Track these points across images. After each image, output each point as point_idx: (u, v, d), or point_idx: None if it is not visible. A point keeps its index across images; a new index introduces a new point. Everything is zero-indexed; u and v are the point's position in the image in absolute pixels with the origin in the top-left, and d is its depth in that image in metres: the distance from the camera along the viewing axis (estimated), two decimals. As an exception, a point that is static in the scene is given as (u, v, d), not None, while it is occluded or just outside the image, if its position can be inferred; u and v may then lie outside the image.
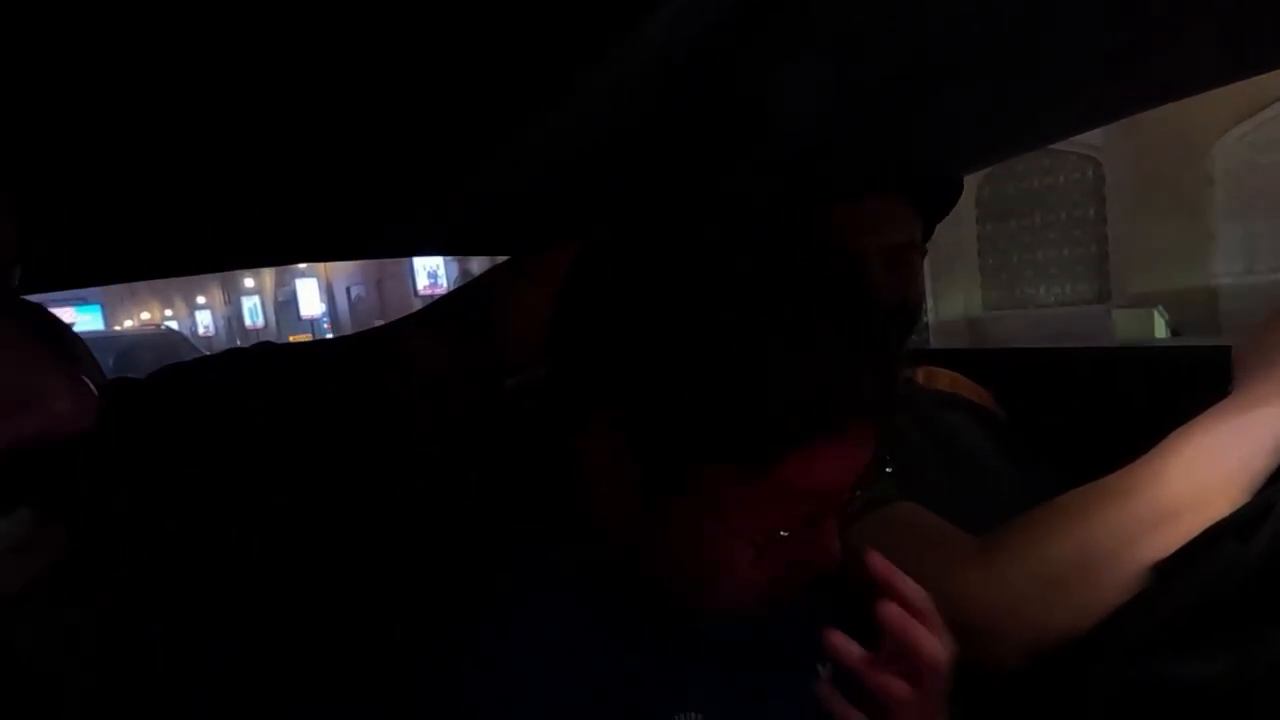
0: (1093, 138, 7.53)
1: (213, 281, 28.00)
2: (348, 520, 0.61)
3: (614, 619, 0.50)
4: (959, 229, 9.08)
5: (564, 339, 0.49)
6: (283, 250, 1.16)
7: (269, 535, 0.56)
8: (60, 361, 0.27)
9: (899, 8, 0.54)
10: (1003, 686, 0.61)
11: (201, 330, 28.04)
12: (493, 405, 0.72)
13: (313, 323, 21.87)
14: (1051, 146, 1.87)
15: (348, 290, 22.18)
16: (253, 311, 26.10)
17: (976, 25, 0.58)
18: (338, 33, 0.47)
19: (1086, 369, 1.16)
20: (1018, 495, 0.72)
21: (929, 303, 8.75)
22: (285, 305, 24.41)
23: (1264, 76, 0.74)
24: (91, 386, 0.27)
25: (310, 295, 22.10)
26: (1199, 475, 0.56)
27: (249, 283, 25.80)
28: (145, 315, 28.32)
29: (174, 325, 15.73)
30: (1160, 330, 7.69)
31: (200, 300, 29.65)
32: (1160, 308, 7.68)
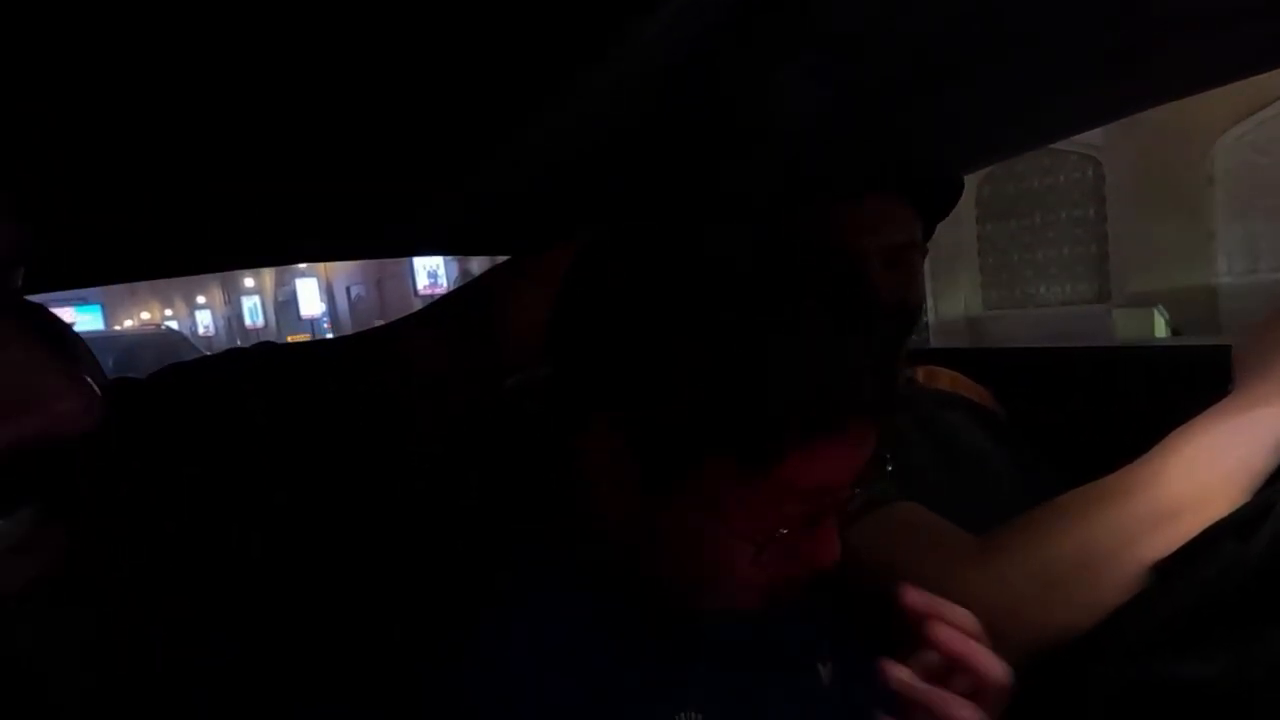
0: (1093, 138, 7.53)
1: (213, 281, 28.00)
2: (348, 520, 0.61)
3: (614, 619, 0.50)
4: (959, 229, 9.07)
5: (564, 339, 0.49)
6: (283, 250, 1.16)
7: (269, 535, 0.56)
8: (62, 361, 0.27)
9: (899, 8, 0.54)
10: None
11: (201, 330, 28.03)
12: (493, 405, 0.72)
13: (313, 323, 21.87)
14: (1051, 146, 1.87)
15: (348, 290, 22.18)
16: (253, 311, 26.09)
17: (976, 25, 0.58)
18: (338, 32, 0.47)
19: (1086, 368, 1.16)
20: (1018, 495, 0.72)
21: (929, 302, 8.75)
22: (285, 305, 24.41)
23: (1264, 76, 0.74)
24: (94, 387, 0.27)
25: (310, 295, 22.10)
26: (1199, 475, 0.56)
27: (249, 283, 25.80)
28: (145, 315, 28.31)
29: (174, 325, 15.73)
30: (1160, 330, 7.68)
31: (200, 300, 29.65)
32: (1160, 307, 7.68)
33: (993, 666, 0.46)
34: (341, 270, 21.22)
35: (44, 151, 0.56)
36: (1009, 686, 0.46)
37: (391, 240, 1.16)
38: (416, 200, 0.89)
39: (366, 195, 0.85)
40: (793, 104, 0.68)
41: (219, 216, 0.85)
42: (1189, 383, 0.64)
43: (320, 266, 20.63)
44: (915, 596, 0.46)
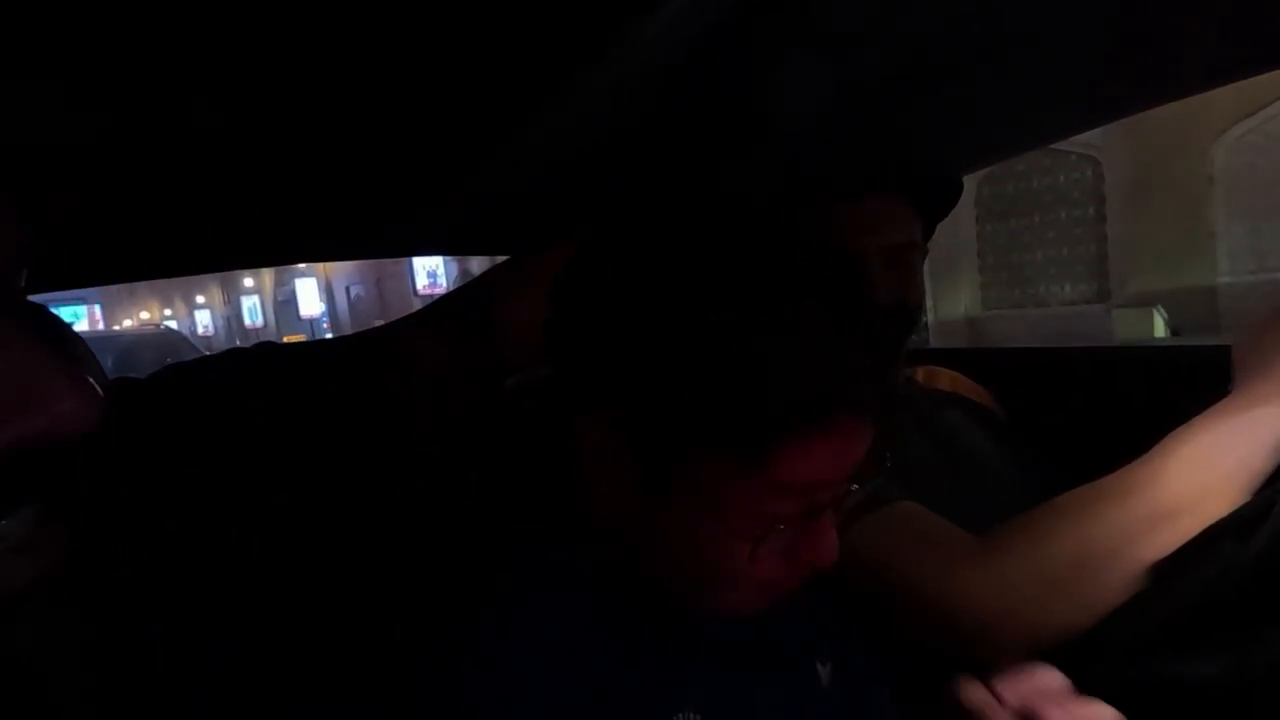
0: (1093, 138, 7.53)
1: (212, 281, 27.98)
2: (348, 520, 0.61)
3: (614, 619, 0.50)
4: (959, 229, 9.07)
5: (562, 340, 0.49)
6: (283, 250, 1.16)
7: (269, 535, 0.56)
8: (62, 361, 0.27)
9: (899, 8, 0.54)
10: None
11: (201, 330, 28.02)
12: (493, 405, 0.72)
13: (312, 322, 21.86)
14: (1051, 146, 1.87)
15: (347, 290, 22.17)
16: (252, 311, 26.09)
17: (976, 25, 0.58)
18: (338, 33, 0.47)
19: (1086, 369, 1.16)
20: (1018, 495, 0.72)
21: (929, 302, 8.75)
22: (285, 305, 24.40)
23: (1264, 76, 0.74)
24: (95, 387, 0.27)
25: (310, 295, 22.09)
26: (1198, 475, 0.56)
27: (248, 282, 25.79)
28: (145, 315, 28.30)
29: (174, 325, 15.73)
30: (1160, 330, 7.69)
31: (200, 300, 29.64)
32: (1160, 307, 7.68)
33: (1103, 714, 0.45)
34: (341, 270, 21.21)
35: (44, 151, 0.56)
36: None
37: (391, 240, 1.16)
38: (416, 200, 0.89)
39: (366, 195, 0.85)
40: (793, 104, 0.68)
41: (219, 216, 0.85)
42: (1189, 383, 0.64)
43: (320, 266, 20.63)
44: (970, 691, 0.46)
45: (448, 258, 14.17)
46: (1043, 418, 1.01)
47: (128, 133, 0.58)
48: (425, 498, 0.62)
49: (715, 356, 0.42)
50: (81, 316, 15.96)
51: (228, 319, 29.06)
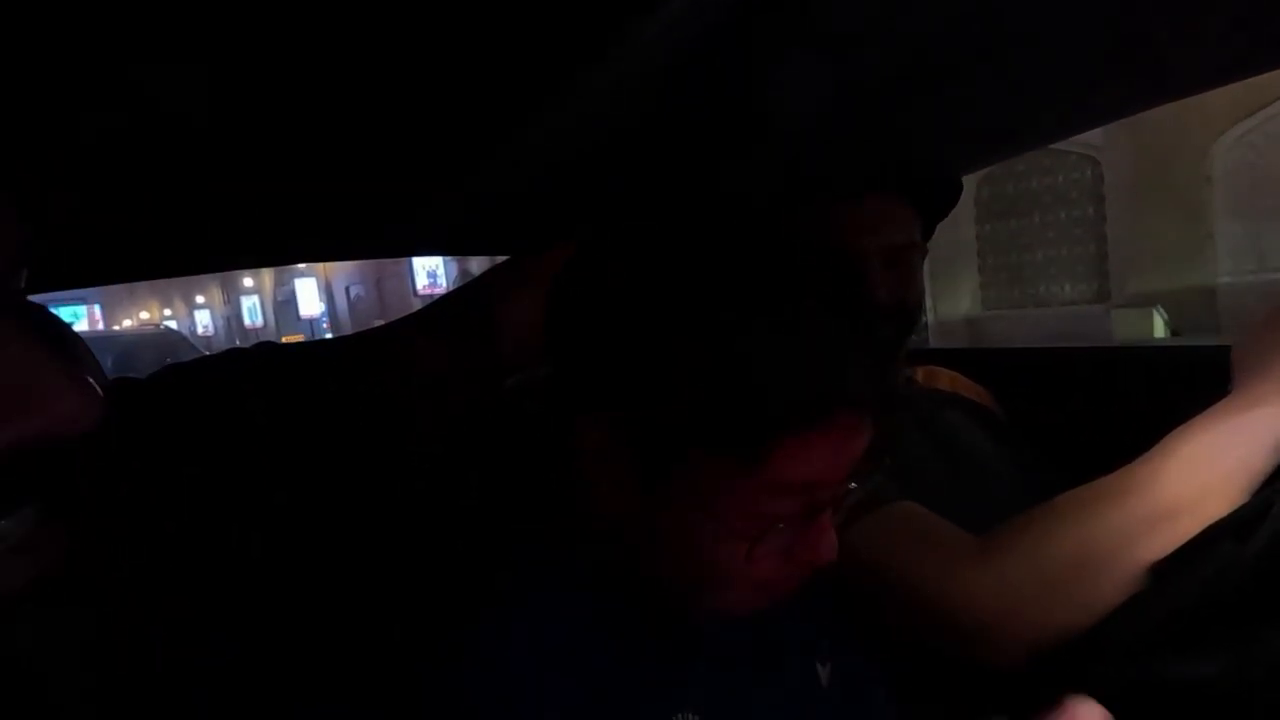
0: (1093, 138, 7.53)
1: (212, 281, 27.99)
2: (348, 520, 0.61)
3: (614, 619, 0.50)
4: (959, 229, 9.07)
5: (562, 340, 0.49)
6: (283, 250, 1.16)
7: (269, 535, 0.56)
8: (62, 361, 0.27)
9: (899, 8, 0.54)
10: (1003, 686, 0.61)
11: (201, 330, 28.02)
12: (493, 405, 0.72)
13: (312, 323, 21.86)
14: (1051, 146, 1.87)
15: (347, 290, 22.17)
16: (252, 311, 26.09)
17: (976, 25, 0.58)
18: (338, 32, 0.47)
19: (1086, 369, 1.16)
20: (1018, 495, 0.72)
21: (929, 302, 8.75)
22: (284, 305, 24.40)
23: (1264, 76, 0.74)
24: (95, 387, 0.27)
25: (309, 295, 22.09)
26: (1198, 475, 0.56)
27: (248, 283, 25.79)
28: (145, 315, 28.31)
29: (173, 325, 15.73)
30: (1160, 330, 7.69)
31: (200, 300, 29.65)
32: (1159, 307, 7.68)
33: None
34: (341, 270, 21.21)
35: (44, 151, 0.56)
36: None
37: (391, 240, 1.16)
38: (416, 200, 0.89)
39: (366, 195, 0.85)
40: (793, 104, 0.68)
41: (219, 216, 0.85)
42: (1188, 383, 0.64)
43: (319, 266, 20.63)
44: None
45: (448, 258, 14.17)
46: (1043, 418, 1.01)
47: (127, 133, 0.58)
48: (425, 498, 0.62)
49: (715, 356, 0.42)
50: (81, 316, 15.95)
51: (227, 319, 29.06)
